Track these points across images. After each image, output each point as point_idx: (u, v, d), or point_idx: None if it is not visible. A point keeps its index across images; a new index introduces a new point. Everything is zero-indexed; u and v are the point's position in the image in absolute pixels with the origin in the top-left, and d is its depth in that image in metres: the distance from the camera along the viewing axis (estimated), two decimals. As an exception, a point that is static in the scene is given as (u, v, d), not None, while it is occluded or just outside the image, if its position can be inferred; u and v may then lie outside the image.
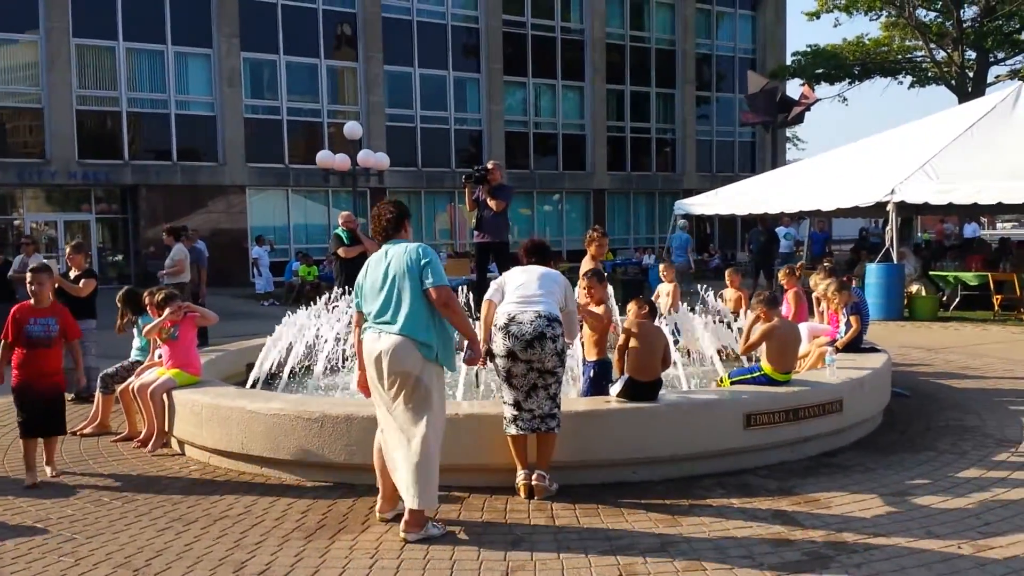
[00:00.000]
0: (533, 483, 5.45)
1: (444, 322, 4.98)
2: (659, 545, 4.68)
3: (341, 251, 10.65)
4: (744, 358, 7.35)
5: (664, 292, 9.88)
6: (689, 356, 8.76)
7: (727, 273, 10.60)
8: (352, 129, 19.44)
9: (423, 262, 4.89)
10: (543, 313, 5.42)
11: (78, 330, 6.49)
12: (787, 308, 9.52)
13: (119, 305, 8.26)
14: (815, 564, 4.40)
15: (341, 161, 18.82)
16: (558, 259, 30.78)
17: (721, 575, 4.29)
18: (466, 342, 5.21)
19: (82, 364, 6.50)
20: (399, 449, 4.87)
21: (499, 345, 5.40)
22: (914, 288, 15.83)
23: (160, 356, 7.22)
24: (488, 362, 5.55)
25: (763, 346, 6.61)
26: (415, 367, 4.83)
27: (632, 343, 5.93)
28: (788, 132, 46.61)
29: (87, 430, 7.49)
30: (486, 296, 5.74)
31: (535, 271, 5.83)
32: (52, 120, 25.21)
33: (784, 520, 5.04)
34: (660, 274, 10.41)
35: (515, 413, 5.41)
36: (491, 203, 10.23)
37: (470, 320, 5.22)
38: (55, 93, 25.12)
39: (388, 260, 5.00)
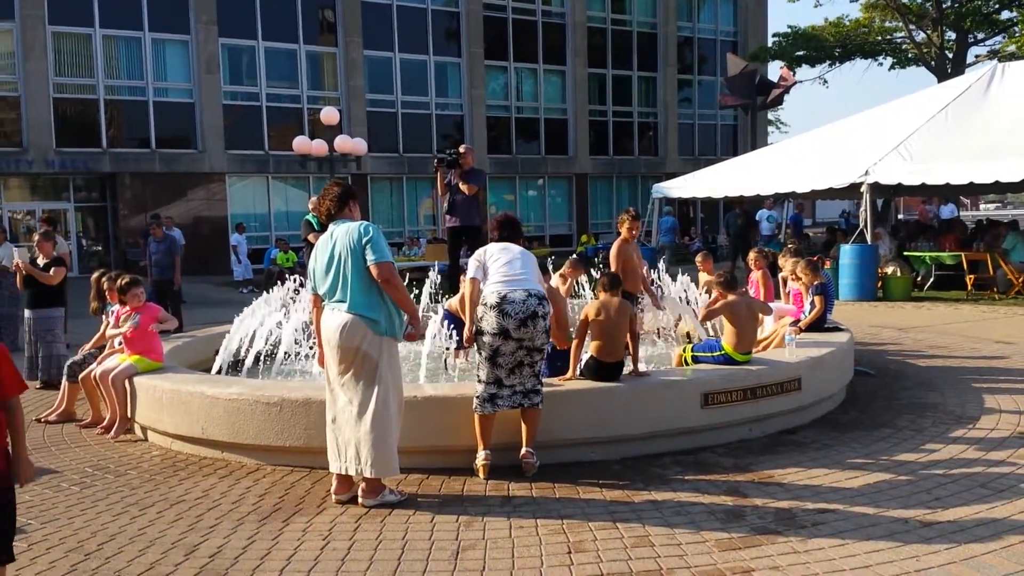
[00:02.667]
0: (523, 460, 5.52)
1: None
2: (610, 522, 4.73)
3: (311, 237, 10.61)
4: (707, 327, 7.44)
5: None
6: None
7: (697, 259, 10.47)
8: (329, 114, 19.34)
9: (364, 240, 4.96)
10: (533, 292, 5.49)
11: (17, 381, 3.54)
12: (755, 289, 9.60)
13: (94, 286, 8.25)
14: (762, 539, 4.45)
15: (318, 147, 18.74)
16: (540, 244, 30.89)
17: (668, 550, 4.33)
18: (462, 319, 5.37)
19: (22, 450, 3.50)
20: (350, 423, 4.99)
21: (491, 323, 5.40)
22: (889, 269, 15.93)
23: (121, 343, 7.20)
24: (472, 342, 5.56)
25: (725, 325, 6.65)
26: (364, 342, 4.97)
27: (594, 324, 5.95)
28: (771, 115, 46.74)
29: (52, 418, 7.48)
30: (469, 274, 5.70)
31: (514, 249, 5.80)
32: (29, 108, 25.03)
33: (736, 496, 5.10)
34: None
35: (494, 392, 5.46)
36: (463, 187, 10.23)
37: (411, 295, 5.25)
38: (32, 81, 24.94)
39: (334, 240, 5.08)
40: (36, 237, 9.87)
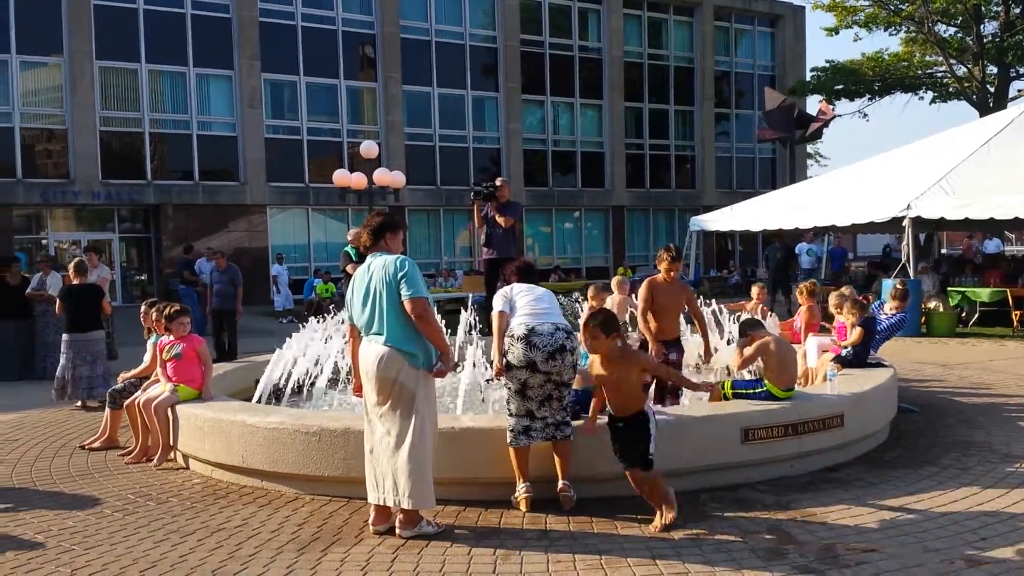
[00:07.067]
0: (560, 494, 5.51)
1: None
2: (650, 558, 4.68)
3: (350, 268, 10.74)
4: (745, 372, 7.32)
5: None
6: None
7: (754, 290, 10.53)
8: (368, 148, 19.61)
9: (400, 275, 5.00)
10: (560, 326, 5.53)
11: None
12: (800, 321, 9.59)
13: (144, 311, 8.40)
14: (804, 578, 4.38)
15: (358, 179, 18.99)
16: (576, 276, 30.90)
17: (708, 588, 4.28)
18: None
19: None
20: (388, 454, 5.00)
21: (518, 356, 5.42)
22: (932, 304, 15.71)
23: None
24: (502, 375, 5.56)
25: (765, 363, 6.59)
26: (401, 374, 5.00)
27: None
28: (810, 148, 46.47)
29: (95, 444, 7.59)
30: (497, 308, 5.72)
31: (538, 289, 5.93)
32: (76, 141, 25.60)
33: (778, 534, 5.02)
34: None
35: (527, 424, 5.46)
36: (500, 220, 10.30)
37: (443, 332, 5.27)
38: (79, 114, 25.53)
39: (371, 273, 5.13)
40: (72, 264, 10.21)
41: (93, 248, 15.41)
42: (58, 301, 9.92)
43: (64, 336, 9.75)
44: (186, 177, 27.47)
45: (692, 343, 8.21)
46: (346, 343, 6.14)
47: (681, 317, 7.78)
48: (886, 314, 9.18)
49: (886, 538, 4.91)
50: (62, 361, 9.68)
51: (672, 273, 7.32)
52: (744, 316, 9.48)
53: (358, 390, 5.34)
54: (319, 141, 29.58)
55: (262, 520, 5.49)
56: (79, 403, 9.61)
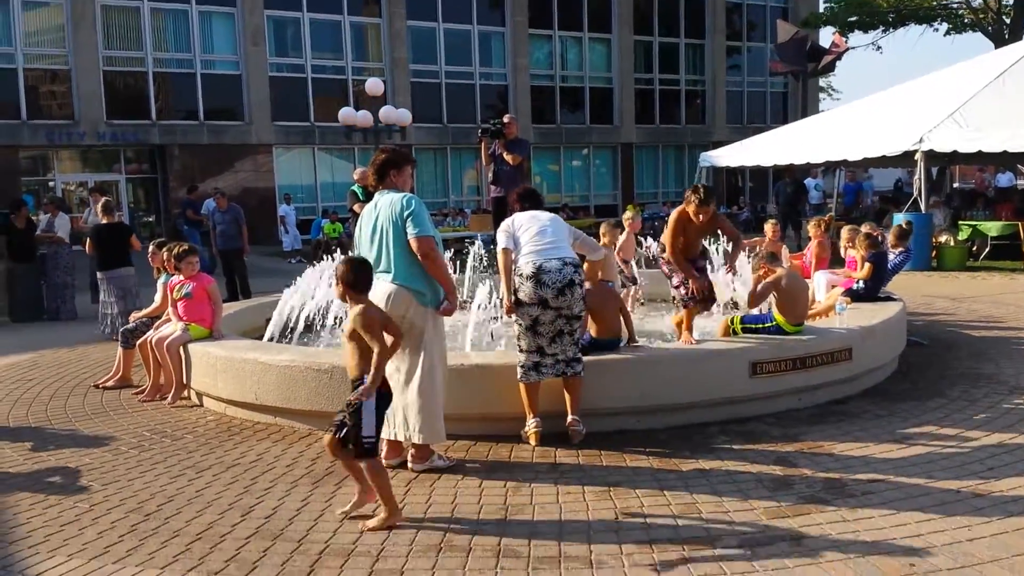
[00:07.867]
0: (570, 428, 5.57)
1: None
2: (657, 489, 4.74)
3: (356, 207, 10.71)
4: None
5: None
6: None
7: (767, 226, 10.39)
8: (373, 85, 19.42)
9: (406, 213, 4.97)
10: (568, 260, 5.51)
11: None
12: (810, 255, 9.58)
13: (153, 251, 8.45)
14: (811, 507, 4.43)
15: (363, 118, 18.85)
16: (584, 214, 30.80)
17: (716, 517, 4.34)
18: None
19: None
20: (398, 390, 5.04)
21: (528, 293, 5.43)
22: (943, 238, 15.64)
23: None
24: (511, 312, 5.57)
25: (776, 298, 6.58)
26: (410, 311, 5.00)
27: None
28: (822, 82, 45.74)
29: (109, 383, 7.67)
30: (501, 245, 5.68)
31: (542, 216, 5.83)
32: (80, 81, 25.38)
33: (785, 466, 5.08)
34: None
35: (537, 360, 5.49)
36: (507, 157, 10.20)
37: (449, 270, 5.27)
38: (82, 54, 25.27)
39: (378, 211, 5.12)
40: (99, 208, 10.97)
41: (99, 189, 15.68)
42: (88, 240, 10.49)
43: (98, 274, 10.36)
44: (191, 117, 27.29)
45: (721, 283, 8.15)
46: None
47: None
48: (891, 252, 9.16)
49: (892, 469, 4.96)
50: (101, 296, 10.39)
51: (701, 217, 6.56)
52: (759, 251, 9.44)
53: None
54: (324, 79, 29.28)
55: (276, 455, 5.57)
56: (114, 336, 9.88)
